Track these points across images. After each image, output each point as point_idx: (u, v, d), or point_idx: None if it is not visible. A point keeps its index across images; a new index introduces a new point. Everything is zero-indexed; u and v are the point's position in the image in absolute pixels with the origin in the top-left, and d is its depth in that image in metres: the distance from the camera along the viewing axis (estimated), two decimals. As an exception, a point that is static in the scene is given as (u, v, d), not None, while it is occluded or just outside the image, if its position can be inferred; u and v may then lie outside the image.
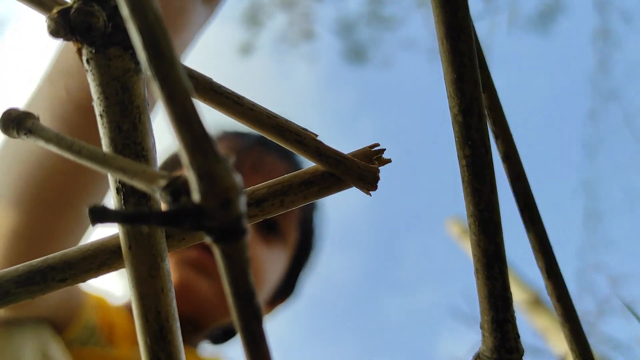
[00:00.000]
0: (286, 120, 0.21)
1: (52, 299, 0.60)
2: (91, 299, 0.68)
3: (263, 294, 0.76)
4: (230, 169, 0.12)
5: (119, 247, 0.20)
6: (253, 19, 2.94)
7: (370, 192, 0.22)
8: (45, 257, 0.20)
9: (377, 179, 0.22)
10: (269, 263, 0.76)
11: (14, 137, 0.18)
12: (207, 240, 0.13)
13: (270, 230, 0.77)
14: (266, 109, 0.21)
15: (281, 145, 0.22)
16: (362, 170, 0.22)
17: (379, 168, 0.22)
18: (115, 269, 0.21)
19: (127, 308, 0.74)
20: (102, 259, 0.20)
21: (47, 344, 0.61)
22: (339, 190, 0.22)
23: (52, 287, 0.20)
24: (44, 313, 0.61)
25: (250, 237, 0.70)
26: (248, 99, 0.21)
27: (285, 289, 0.85)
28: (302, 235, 0.84)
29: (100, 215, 0.12)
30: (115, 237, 0.21)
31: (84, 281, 0.21)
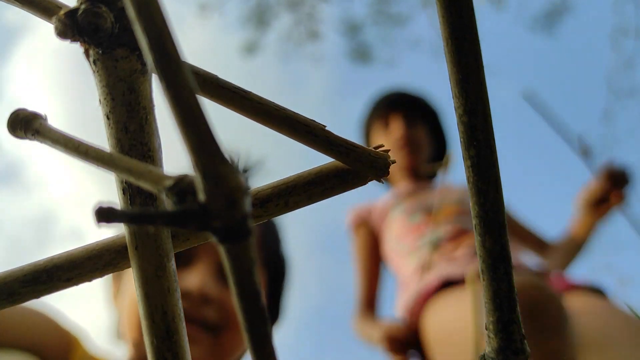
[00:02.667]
0: (294, 112, 0.21)
1: (40, 331, 0.61)
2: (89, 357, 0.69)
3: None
4: (235, 169, 0.12)
5: (125, 247, 0.20)
6: (259, 19, 2.95)
7: (382, 179, 0.22)
8: (51, 256, 0.20)
9: (389, 164, 0.22)
10: None
11: (22, 138, 0.18)
12: (213, 240, 0.13)
13: None
14: (273, 102, 0.21)
15: (291, 137, 0.21)
16: (373, 157, 0.22)
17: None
18: (121, 268, 0.21)
19: None
20: (108, 258, 0.21)
21: None
22: (343, 191, 0.22)
23: (58, 286, 0.20)
24: (29, 343, 0.61)
25: (219, 284, 0.72)
26: (255, 94, 0.21)
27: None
28: (270, 269, 0.87)
29: (107, 215, 0.12)
30: (121, 237, 0.21)
31: (90, 281, 0.21)
